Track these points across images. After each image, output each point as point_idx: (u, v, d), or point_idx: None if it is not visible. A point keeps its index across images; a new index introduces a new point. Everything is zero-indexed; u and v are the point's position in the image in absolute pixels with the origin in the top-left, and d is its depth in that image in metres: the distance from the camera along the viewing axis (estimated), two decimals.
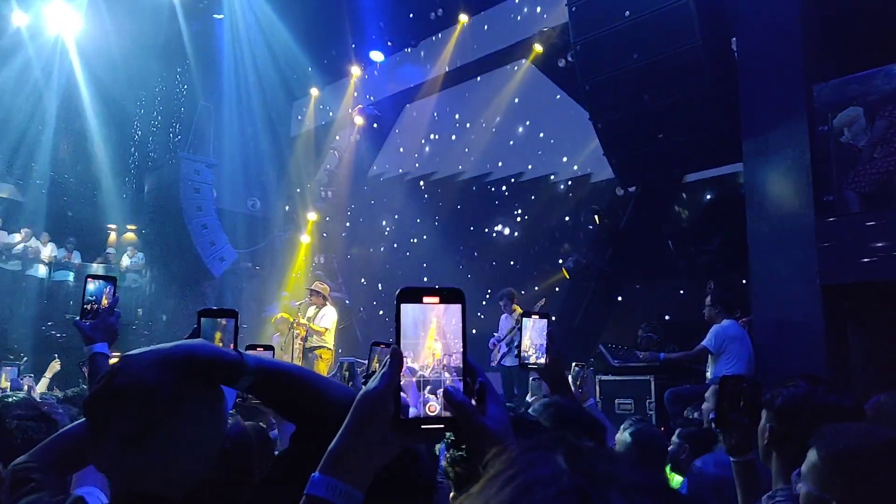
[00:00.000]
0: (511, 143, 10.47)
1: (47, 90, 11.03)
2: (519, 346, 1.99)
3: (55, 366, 6.32)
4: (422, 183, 11.70)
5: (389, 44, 11.62)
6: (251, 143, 12.23)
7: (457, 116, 11.35)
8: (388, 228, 12.42)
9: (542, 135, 10.10)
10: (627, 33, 6.09)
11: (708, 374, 5.65)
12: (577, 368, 2.81)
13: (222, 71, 11.62)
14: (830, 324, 5.08)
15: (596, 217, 8.61)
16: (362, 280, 12.40)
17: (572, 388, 2.23)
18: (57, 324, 10.77)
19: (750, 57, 5.86)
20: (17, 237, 11.34)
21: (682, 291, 8.36)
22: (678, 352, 6.01)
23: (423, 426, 0.80)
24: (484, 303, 8.99)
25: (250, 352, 1.10)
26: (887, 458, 1.35)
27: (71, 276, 11.61)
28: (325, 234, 13.13)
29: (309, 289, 8.59)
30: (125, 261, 12.43)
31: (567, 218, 9.80)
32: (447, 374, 0.81)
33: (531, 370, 2.06)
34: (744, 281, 6.33)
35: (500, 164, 10.67)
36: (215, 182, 11.93)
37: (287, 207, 13.02)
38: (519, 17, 10.45)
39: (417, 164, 11.69)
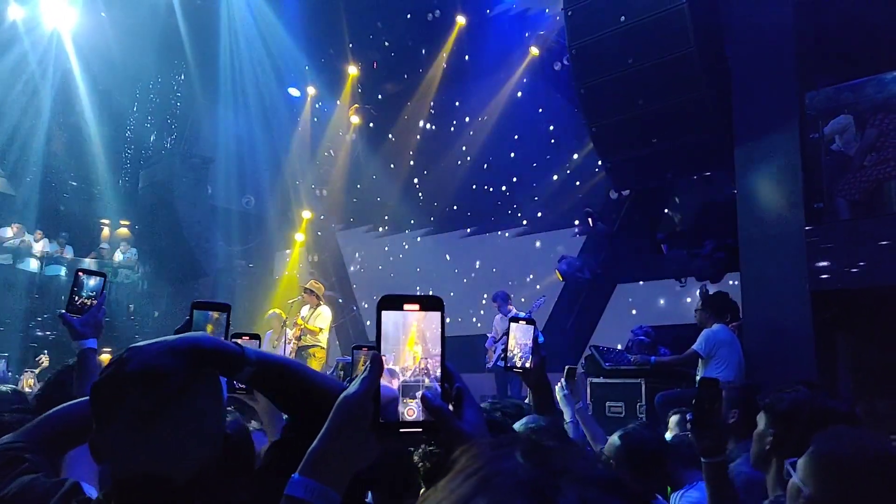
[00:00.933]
0: (507, 144, 10.50)
1: (42, 84, 10.96)
2: (505, 349, 2.03)
3: (44, 361, 6.31)
4: (417, 182, 11.71)
5: (386, 44, 11.63)
6: (246, 139, 12.19)
7: (453, 117, 11.37)
8: (382, 227, 12.43)
9: (538, 137, 10.13)
10: (623, 38, 6.11)
11: (697, 378, 5.68)
12: (564, 390, 2.85)
13: (218, 67, 11.58)
14: (819, 329, 5.13)
15: (589, 219, 8.67)
16: (356, 280, 12.43)
17: (556, 397, 2.26)
18: (47, 319, 10.72)
19: (743, 64, 5.90)
20: (8, 231, 11.27)
21: (673, 295, 8.42)
22: (669, 355, 6.05)
23: (401, 430, 0.81)
24: (483, 302, 9.01)
25: (237, 340, 1.15)
26: (866, 470, 1.38)
27: (63, 271, 11.54)
28: (319, 233, 13.12)
29: (303, 287, 8.59)
30: (118, 256, 12.38)
31: (562, 220, 9.84)
32: (426, 379, 0.83)
33: (516, 373, 2.11)
34: (733, 283, 6.37)
35: (496, 165, 10.70)
36: (210, 179, 11.92)
37: (281, 205, 13.00)
38: (516, 20, 10.48)
39: (413, 164, 11.70)
